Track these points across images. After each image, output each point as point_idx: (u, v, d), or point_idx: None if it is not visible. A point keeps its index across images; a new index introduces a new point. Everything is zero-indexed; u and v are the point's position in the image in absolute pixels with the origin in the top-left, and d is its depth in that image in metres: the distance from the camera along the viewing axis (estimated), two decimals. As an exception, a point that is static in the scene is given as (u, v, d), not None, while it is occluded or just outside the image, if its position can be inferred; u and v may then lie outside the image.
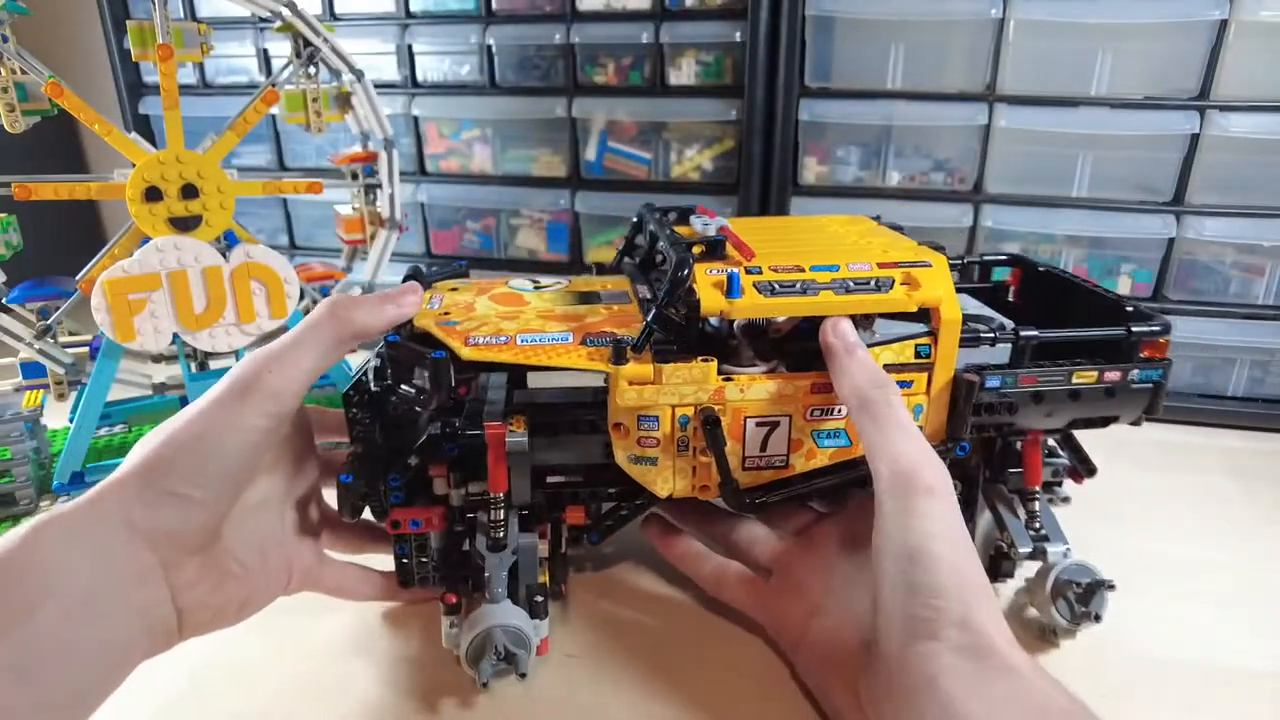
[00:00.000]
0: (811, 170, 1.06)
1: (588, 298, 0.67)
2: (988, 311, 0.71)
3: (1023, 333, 0.59)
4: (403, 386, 0.56)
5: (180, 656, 0.49)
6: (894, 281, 0.57)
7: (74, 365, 0.83)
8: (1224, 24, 0.88)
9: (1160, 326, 0.60)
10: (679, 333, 0.57)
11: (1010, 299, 0.77)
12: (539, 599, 0.58)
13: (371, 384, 0.56)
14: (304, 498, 0.59)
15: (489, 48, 1.12)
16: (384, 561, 0.64)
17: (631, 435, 0.57)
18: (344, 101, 0.94)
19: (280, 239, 1.30)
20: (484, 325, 0.59)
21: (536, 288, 0.69)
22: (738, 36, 1.02)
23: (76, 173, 0.79)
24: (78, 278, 0.80)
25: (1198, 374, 1.00)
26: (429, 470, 0.60)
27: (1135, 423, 0.62)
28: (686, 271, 0.55)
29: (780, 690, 0.57)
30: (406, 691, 0.59)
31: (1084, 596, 0.61)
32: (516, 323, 0.60)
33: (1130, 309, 0.63)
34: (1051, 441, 0.70)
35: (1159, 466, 0.89)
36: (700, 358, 0.56)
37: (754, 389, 0.57)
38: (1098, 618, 0.60)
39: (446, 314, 0.62)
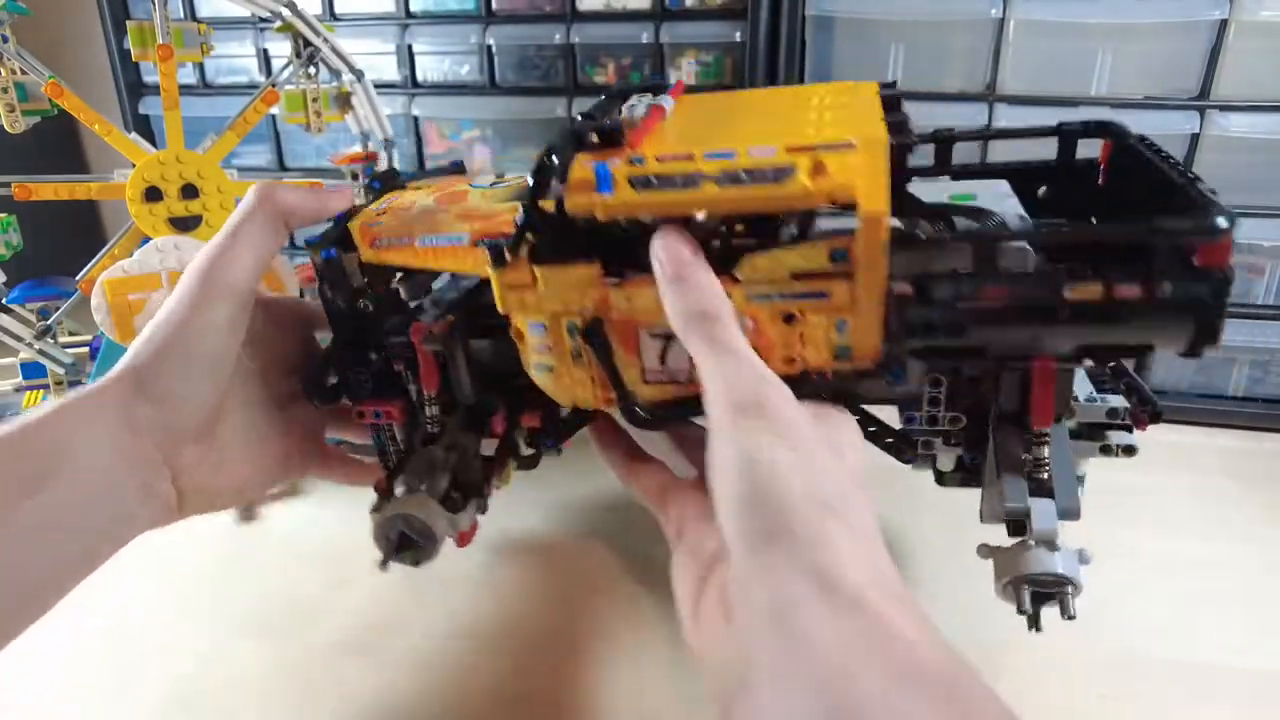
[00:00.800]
0: (811, 170, 1.05)
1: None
2: (1006, 207, 0.54)
3: (987, 226, 0.46)
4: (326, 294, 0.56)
5: (182, 650, 0.49)
6: (795, 170, 0.43)
7: (74, 365, 0.83)
8: (1224, 24, 0.88)
9: (1218, 222, 0.42)
10: (560, 233, 0.48)
11: (1100, 182, 0.59)
12: (456, 494, 0.57)
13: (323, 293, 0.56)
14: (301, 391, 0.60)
15: (489, 48, 1.12)
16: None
17: (527, 341, 0.52)
18: (344, 101, 0.94)
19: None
20: (394, 220, 0.56)
21: (494, 184, 0.62)
22: (738, 37, 1.02)
23: (76, 173, 0.79)
24: (78, 278, 0.80)
25: (1198, 373, 1.00)
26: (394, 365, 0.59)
27: (1190, 353, 0.44)
28: (554, 158, 0.47)
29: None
30: (408, 688, 0.59)
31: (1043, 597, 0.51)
32: (428, 224, 0.56)
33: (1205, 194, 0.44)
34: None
35: (1158, 466, 0.89)
36: (581, 261, 0.48)
37: (642, 296, 0.48)
38: (1071, 617, 0.51)
39: (382, 214, 0.58)
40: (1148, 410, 0.54)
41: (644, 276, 0.48)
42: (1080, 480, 0.53)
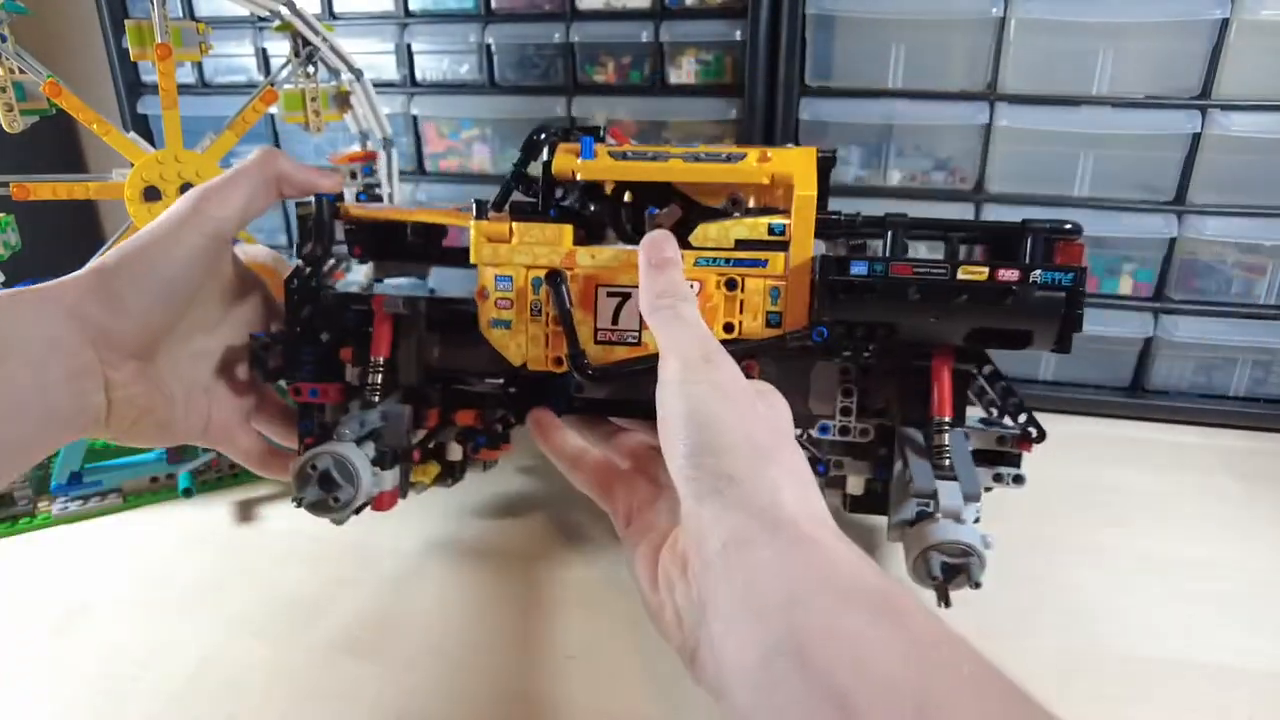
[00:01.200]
0: (812, 169, 1.06)
1: None
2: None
3: (891, 216, 0.57)
4: (305, 246, 0.63)
5: (182, 650, 0.49)
6: (746, 155, 0.57)
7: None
8: (1225, 23, 0.88)
9: (1071, 226, 0.56)
10: (541, 197, 0.59)
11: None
12: (386, 451, 0.60)
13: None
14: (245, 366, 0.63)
15: (488, 47, 1.12)
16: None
17: (491, 297, 0.59)
18: (343, 101, 0.94)
19: (279, 238, 1.30)
20: (385, 206, 0.66)
21: None
22: (738, 35, 1.02)
23: (75, 173, 0.80)
24: (76, 278, 0.80)
25: (1199, 373, 1.00)
26: (341, 354, 0.64)
27: (1059, 347, 0.55)
28: (541, 135, 0.59)
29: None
30: (407, 688, 0.59)
31: (953, 570, 0.55)
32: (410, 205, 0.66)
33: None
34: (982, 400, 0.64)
35: (1160, 466, 0.89)
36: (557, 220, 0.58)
37: (605, 255, 0.57)
38: (976, 585, 0.55)
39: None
40: (1032, 435, 0.61)
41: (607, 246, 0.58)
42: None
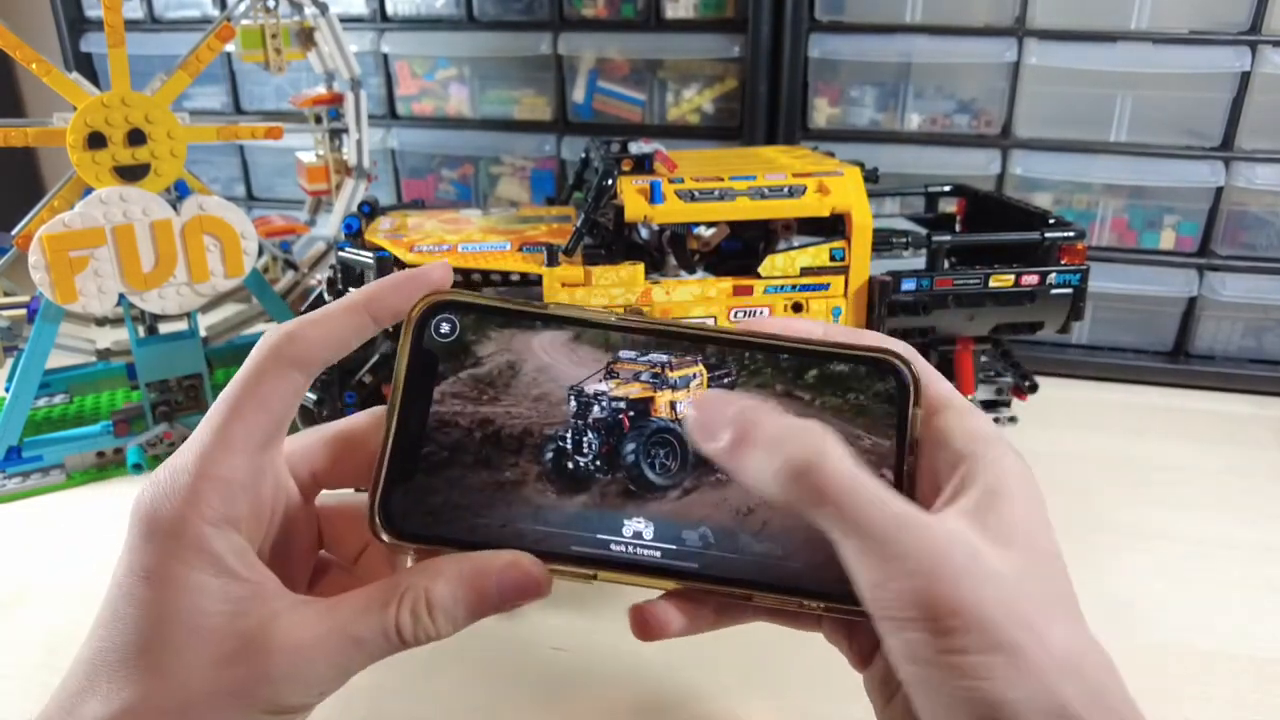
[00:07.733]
0: (822, 113, 1.06)
1: (532, 220, 0.79)
2: (912, 226, 0.84)
3: (935, 238, 0.71)
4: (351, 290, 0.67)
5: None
6: (806, 189, 0.68)
7: (9, 329, 0.83)
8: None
9: (1075, 232, 0.72)
10: (608, 239, 0.68)
11: (957, 228, 0.90)
12: None
13: (326, 297, 0.68)
14: None
15: (466, -23, 1.12)
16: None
17: None
18: (306, 38, 0.94)
19: (237, 189, 1.31)
20: (429, 237, 0.70)
21: (485, 214, 0.80)
22: (741, -36, 1.02)
23: (11, 117, 0.79)
24: (14, 233, 0.81)
25: (1249, 336, 1.01)
26: (383, 389, 0.70)
27: (1063, 330, 0.73)
28: (612, 180, 0.66)
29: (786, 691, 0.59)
30: (408, 689, 0.60)
31: None
32: (460, 235, 0.71)
33: (1051, 220, 0.74)
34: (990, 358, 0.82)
35: (1205, 439, 0.90)
36: (627, 261, 0.67)
37: (679, 291, 0.67)
38: None
39: (396, 230, 0.73)
40: (1024, 384, 0.80)
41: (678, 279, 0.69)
42: None
